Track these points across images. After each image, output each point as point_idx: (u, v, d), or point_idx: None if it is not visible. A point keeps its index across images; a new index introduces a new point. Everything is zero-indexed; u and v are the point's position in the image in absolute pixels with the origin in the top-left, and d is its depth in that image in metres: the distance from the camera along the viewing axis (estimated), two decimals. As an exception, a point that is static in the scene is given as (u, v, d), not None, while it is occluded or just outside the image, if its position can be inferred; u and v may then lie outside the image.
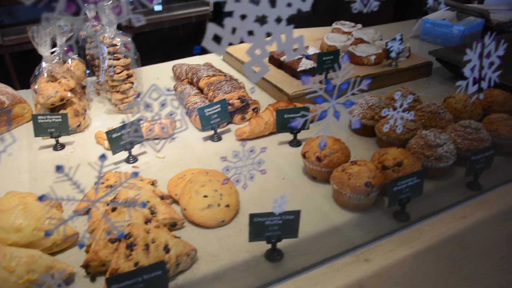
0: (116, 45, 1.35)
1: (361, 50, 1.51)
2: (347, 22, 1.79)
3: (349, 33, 1.72)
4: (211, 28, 0.55)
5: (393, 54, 1.47)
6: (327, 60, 1.30)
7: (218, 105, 1.17)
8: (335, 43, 1.59)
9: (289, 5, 0.58)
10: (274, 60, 1.50)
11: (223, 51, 0.57)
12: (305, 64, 1.39)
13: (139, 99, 1.41)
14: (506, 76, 0.93)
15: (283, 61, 1.45)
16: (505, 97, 1.24)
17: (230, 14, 0.56)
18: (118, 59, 1.36)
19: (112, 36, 1.36)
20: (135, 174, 0.64)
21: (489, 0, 2.22)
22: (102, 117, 1.42)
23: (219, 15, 3.39)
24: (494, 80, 0.82)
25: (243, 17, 0.56)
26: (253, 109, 1.28)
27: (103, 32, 1.39)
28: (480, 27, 1.93)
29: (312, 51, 1.50)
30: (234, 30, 0.57)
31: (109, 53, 1.35)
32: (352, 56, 1.50)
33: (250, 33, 0.58)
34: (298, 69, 1.37)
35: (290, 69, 1.41)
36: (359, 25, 1.80)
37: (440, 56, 1.54)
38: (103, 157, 0.60)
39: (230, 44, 0.57)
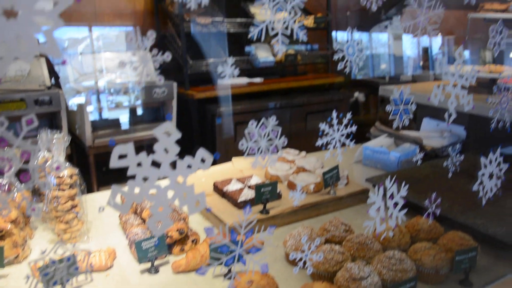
0: (62, 176, 1.40)
1: (301, 179, 1.60)
2: (292, 150, 1.92)
3: (292, 161, 1.83)
4: (115, 190, 0.61)
5: (329, 183, 1.56)
6: (265, 191, 1.38)
7: (156, 238, 1.20)
8: (278, 172, 1.69)
9: (189, 166, 0.66)
10: (218, 190, 1.56)
11: (127, 210, 0.62)
12: (246, 195, 1.46)
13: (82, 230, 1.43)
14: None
15: (226, 191, 1.51)
16: (430, 225, 1.32)
17: (133, 177, 0.62)
18: (64, 190, 1.40)
19: (59, 167, 1.41)
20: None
21: (424, 127, 2.42)
22: (44, 247, 1.41)
23: (182, 135, 3.54)
24: (401, 219, 0.89)
25: (145, 179, 0.63)
26: (193, 241, 1.31)
27: (51, 162, 1.45)
28: (415, 153, 2.08)
29: (254, 181, 1.59)
30: (138, 192, 0.63)
31: (55, 184, 1.39)
32: (293, 185, 1.59)
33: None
34: (239, 200, 1.44)
35: (232, 199, 1.47)
36: (303, 153, 1.92)
37: (374, 183, 1.65)
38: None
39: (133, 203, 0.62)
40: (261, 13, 3.64)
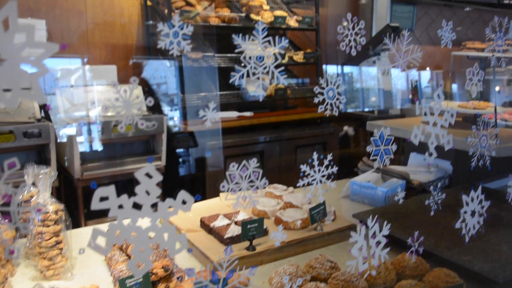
0: (47, 212, 1.39)
1: (288, 215, 1.60)
2: (279, 186, 1.93)
3: (280, 196, 1.83)
4: (95, 232, 0.61)
5: (316, 219, 1.56)
6: (251, 227, 1.38)
7: (140, 276, 1.19)
8: (265, 208, 1.69)
9: (170, 207, 0.66)
10: (205, 225, 1.56)
11: (108, 251, 0.62)
12: (233, 231, 1.45)
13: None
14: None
15: (213, 227, 1.51)
16: (416, 262, 1.32)
17: (115, 219, 0.63)
18: (48, 226, 1.39)
19: (44, 203, 1.41)
20: None
21: (411, 161, 2.45)
22: (25, 285, 1.39)
23: (172, 169, 3.55)
24: (384, 257, 0.90)
25: (126, 221, 0.63)
26: (178, 278, 1.29)
27: (36, 197, 1.44)
28: (403, 188, 2.10)
29: (241, 216, 1.59)
30: (119, 232, 0.63)
31: (39, 220, 1.38)
32: (279, 221, 1.59)
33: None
34: (225, 236, 1.43)
35: (218, 235, 1.47)
36: (291, 188, 1.93)
37: (361, 219, 1.65)
38: None
39: (115, 244, 0.63)
40: (251, 48, 3.72)
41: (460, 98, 3.01)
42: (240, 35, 0.83)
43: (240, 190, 0.76)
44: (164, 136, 3.29)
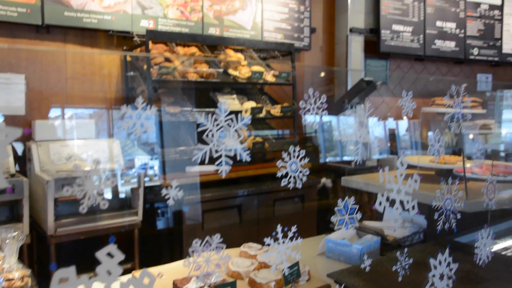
0: (12, 279, 1.35)
1: (261, 276, 1.59)
2: (254, 245, 1.92)
3: (254, 256, 1.82)
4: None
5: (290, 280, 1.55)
6: (223, 291, 1.36)
7: None
8: (239, 269, 1.67)
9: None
10: (176, 289, 1.53)
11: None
12: (205, 294, 1.43)
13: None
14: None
15: (184, 290, 1.48)
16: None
17: None
18: (14, 293, 1.35)
19: (10, 268, 1.37)
20: None
21: (386, 217, 2.47)
22: None
23: (148, 223, 3.50)
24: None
25: None
26: None
27: (2, 263, 1.40)
28: (377, 244, 2.11)
29: (215, 279, 1.56)
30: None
31: (4, 287, 1.34)
32: (253, 282, 1.57)
33: None
34: (197, 300, 1.40)
35: (190, 299, 1.44)
36: (266, 247, 1.91)
37: (336, 279, 1.64)
38: None
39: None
40: (229, 103, 3.79)
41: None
42: (203, 114, 0.85)
43: (203, 266, 0.76)
44: (141, 191, 3.26)
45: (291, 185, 0.88)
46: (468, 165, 2.65)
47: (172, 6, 3.95)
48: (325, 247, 2.12)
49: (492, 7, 6.04)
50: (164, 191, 0.84)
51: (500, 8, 6.13)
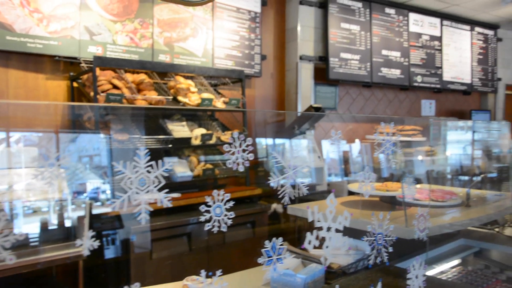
0: None
1: (202, 312, 1.56)
2: (196, 278, 1.89)
3: (197, 290, 1.79)
4: None
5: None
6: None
7: None
8: (180, 304, 1.64)
9: None
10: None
11: None
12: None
13: None
14: None
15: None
16: None
17: None
18: None
19: None
20: None
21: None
22: None
23: (95, 253, 3.38)
24: None
25: None
26: None
27: None
28: (322, 273, 2.13)
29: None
30: None
31: None
32: (193, 319, 1.55)
33: None
34: None
35: None
36: (209, 280, 1.89)
37: (278, 312, 1.64)
38: None
39: None
40: (178, 129, 3.78)
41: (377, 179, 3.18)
42: (121, 161, 0.85)
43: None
44: (87, 220, 3.16)
45: (215, 229, 0.88)
46: (410, 191, 2.76)
47: (122, 33, 3.92)
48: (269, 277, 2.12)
49: (432, 37, 6.39)
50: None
51: (440, 39, 6.50)
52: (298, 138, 4.59)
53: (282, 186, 1.19)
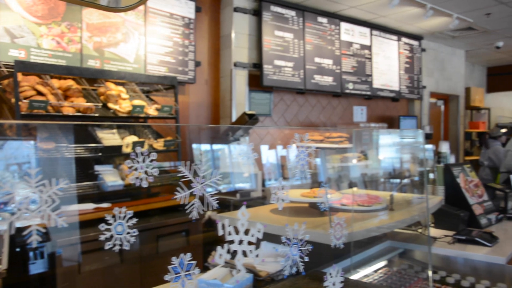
0: None
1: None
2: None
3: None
4: None
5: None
6: None
7: None
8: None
9: None
10: None
11: None
12: None
13: None
14: None
15: None
16: None
17: None
18: None
19: None
20: None
21: (262, 251, 2.54)
22: None
23: (17, 269, 3.20)
24: None
25: None
26: None
27: None
28: (250, 281, 2.15)
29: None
30: None
31: None
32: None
33: None
34: None
35: None
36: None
37: (202, 324, 1.64)
38: None
39: None
40: (108, 137, 3.67)
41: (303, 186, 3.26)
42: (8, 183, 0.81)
43: None
44: (6, 236, 2.98)
45: (116, 248, 0.86)
46: (337, 196, 2.85)
47: (47, 36, 3.76)
48: (198, 288, 2.11)
49: (363, 46, 6.67)
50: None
51: (369, 48, 6.79)
52: (233, 144, 4.61)
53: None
